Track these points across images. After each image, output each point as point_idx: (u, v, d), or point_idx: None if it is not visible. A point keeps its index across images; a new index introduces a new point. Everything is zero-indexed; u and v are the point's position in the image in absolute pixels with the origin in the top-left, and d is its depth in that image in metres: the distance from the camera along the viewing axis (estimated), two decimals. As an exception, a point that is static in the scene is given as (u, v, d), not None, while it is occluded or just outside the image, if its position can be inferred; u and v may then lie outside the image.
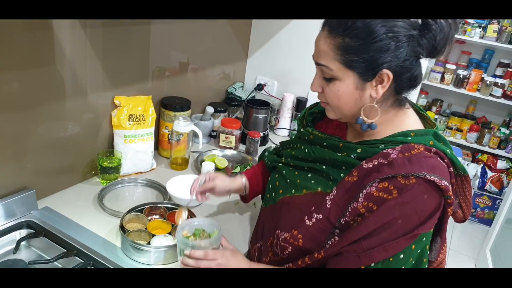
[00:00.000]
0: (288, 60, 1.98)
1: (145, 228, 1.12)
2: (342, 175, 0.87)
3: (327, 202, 0.85)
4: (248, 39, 2.05)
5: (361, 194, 0.80)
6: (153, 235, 1.10)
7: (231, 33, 1.90)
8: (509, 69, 3.51)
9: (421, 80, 0.85)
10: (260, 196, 1.24)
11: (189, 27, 1.63)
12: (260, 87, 2.04)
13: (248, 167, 1.57)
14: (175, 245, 1.02)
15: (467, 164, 3.53)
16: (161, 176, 1.44)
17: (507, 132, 3.58)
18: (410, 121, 0.87)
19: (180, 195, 1.29)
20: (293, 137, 1.12)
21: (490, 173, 3.38)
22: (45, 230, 1.11)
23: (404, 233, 0.77)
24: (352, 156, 0.86)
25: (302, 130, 1.02)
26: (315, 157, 0.94)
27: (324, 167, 0.92)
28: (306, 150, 0.97)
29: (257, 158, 1.70)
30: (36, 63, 1.10)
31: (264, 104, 1.82)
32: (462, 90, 3.57)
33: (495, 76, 3.53)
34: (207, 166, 1.44)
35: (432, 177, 0.76)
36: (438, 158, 0.80)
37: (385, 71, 0.79)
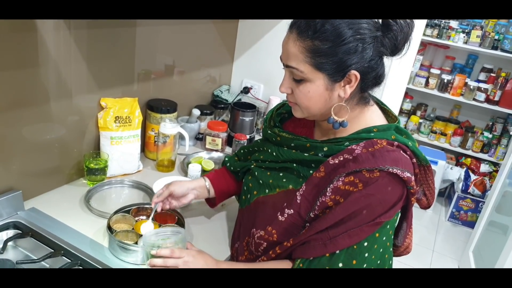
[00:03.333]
0: (274, 63, 1.97)
1: (132, 229, 1.14)
2: (311, 172, 0.90)
3: (297, 197, 0.89)
4: (234, 42, 2.07)
5: (328, 188, 0.84)
6: (140, 235, 1.11)
7: (217, 36, 1.92)
8: (492, 74, 3.59)
9: (384, 78, 0.89)
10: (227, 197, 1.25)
11: (175, 30, 1.64)
12: (246, 90, 2.06)
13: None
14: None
15: (451, 168, 3.59)
16: (147, 178, 1.46)
17: (490, 136, 3.66)
18: (374, 117, 0.92)
19: (166, 196, 1.30)
20: (258, 141, 1.15)
21: (473, 177, 3.45)
22: (32, 230, 1.11)
23: (367, 221, 0.82)
24: (320, 154, 0.90)
25: (269, 132, 1.04)
26: (284, 159, 0.97)
27: (294, 165, 0.95)
28: (274, 153, 1.00)
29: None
30: (20, 64, 1.11)
31: (251, 107, 1.85)
32: (446, 95, 3.64)
33: (478, 81, 3.61)
34: (194, 168, 1.46)
35: (395, 170, 0.80)
36: (401, 151, 0.84)
37: (353, 72, 0.82)
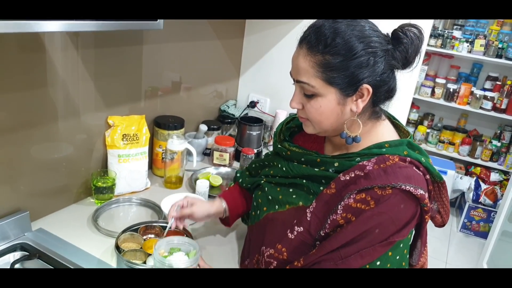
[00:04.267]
0: (280, 77, 2.01)
1: (141, 248, 1.12)
2: (321, 188, 0.88)
3: (307, 214, 0.86)
4: (240, 57, 2.08)
5: (339, 206, 0.81)
6: (149, 255, 1.09)
7: (223, 52, 1.93)
8: (497, 82, 3.57)
9: (396, 91, 0.87)
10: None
11: (181, 47, 1.65)
12: (253, 104, 2.06)
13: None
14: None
15: (460, 177, 3.55)
16: (155, 195, 1.44)
17: (499, 144, 3.62)
18: (385, 132, 0.90)
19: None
20: (269, 154, 1.13)
21: (483, 186, 3.40)
22: (39, 252, 1.09)
23: (380, 241, 0.79)
24: (330, 170, 0.88)
25: (279, 146, 1.02)
26: (294, 174, 0.95)
27: (304, 181, 0.93)
28: (284, 169, 0.98)
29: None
30: (29, 85, 1.11)
31: (257, 121, 1.84)
32: (452, 104, 3.62)
33: (484, 89, 3.59)
34: (202, 185, 1.44)
35: (407, 187, 0.77)
36: (414, 167, 0.82)
37: (365, 85, 0.81)
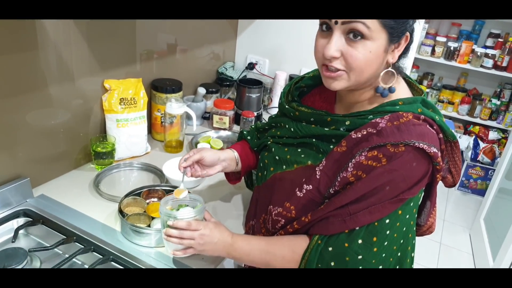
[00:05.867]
0: (278, 38, 1.95)
1: (144, 211, 1.12)
2: (331, 147, 0.86)
3: (317, 173, 0.85)
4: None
5: (350, 163, 0.80)
6: (153, 218, 1.09)
7: (220, 12, 1.87)
8: (499, 40, 3.50)
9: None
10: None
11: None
12: (251, 66, 2.01)
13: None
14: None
15: (459, 137, 3.55)
16: (156, 160, 1.43)
17: (498, 103, 3.60)
18: (399, 89, 0.87)
19: (177, 177, 1.28)
20: (274, 116, 1.10)
21: (482, 144, 3.41)
22: (42, 217, 1.09)
23: (390, 198, 0.78)
24: (341, 129, 0.86)
25: (286, 106, 0.99)
26: (302, 134, 0.93)
27: (314, 140, 0.91)
28: (292, 129, 0.96)
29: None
30: (19, 48, 1.07)
31: (257, 83, 1.80)
32: (452, 63, 3.56)
33: (485, 47, 3.53)
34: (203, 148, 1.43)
35: (421, 144, 0.76)
36: (427, 125, 0.80)
37: (407, 33, 0.79)
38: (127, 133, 1.39)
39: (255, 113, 1.74)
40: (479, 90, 3.80)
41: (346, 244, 0.82)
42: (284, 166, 0.95)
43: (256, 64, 2.02)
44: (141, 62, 1.49)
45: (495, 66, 3.46)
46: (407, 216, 0.83)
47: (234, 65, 2.07)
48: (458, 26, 3.68)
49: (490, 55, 3.43)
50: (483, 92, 3.78)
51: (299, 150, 0.94)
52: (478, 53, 3.45)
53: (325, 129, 0.88)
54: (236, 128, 1.76)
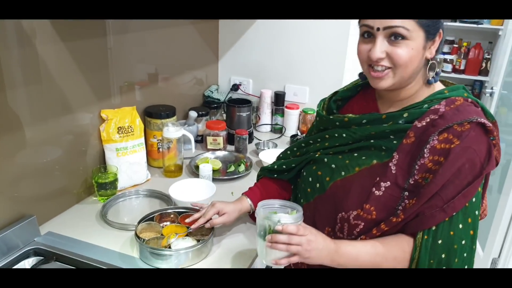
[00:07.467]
0: (260, 57, 2.00)
1: (161, 235, 1.10)
2: (395, 142, 0.89)
3: (391, 168, 0.88)
4: (217, 40, 2.05)
5: (425, 150, 0.84)
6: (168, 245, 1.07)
7: (199, 37, 1.90)
8: (454, 45, 3.73)
9: None
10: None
11: (155, 36, 1.58)
12: (235, 87, 2.04)
13: (242, 164, 1.57)
14: (195, 246, 1.04)
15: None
16: (158, 185, 1.42)
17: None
18: (435, 83, 0.93)
19: (185, 199, 1.27)
20: (304, 136, 1.11)
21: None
22: (55, 254, 1.06)
23: (473, 176, 0.82)
24: (400, 122, 0.90)
25: (331, 117, 1.01)
26: (357, 137, 0.95)
27: (372, 141, 0.93)
28: (344, 135, 0.98)
29: (248, 155, 1.71)
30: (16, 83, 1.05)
31: (245, 102, 1.83)
32: (415, 71, 3.74)
33: (443, 53, 3.74)
34: (205, 168, 1.43)
35: (482, 120, 0.83)
36: (474, 106, 0.87)
37: (440, 30, 0.87)
38: (128, 161, 1.37)
39: (248, 131, 1.75)
40: (442, 94, 3.99)
41: (452, 233, 0.84)
42: (343, 172, 0.95)
43: (240, 85, 2.06)
44: (121, 94, 1.44)
45: (454, 70, 3.68)
46: (480, 191, 0.86)
47: (219, 88, 2.10)
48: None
49: (448, 60, 3.64)
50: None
51: (355, 154, 0.95)
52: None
53: (384, 125, 0.91)
54: (230, 147, 1.77)
